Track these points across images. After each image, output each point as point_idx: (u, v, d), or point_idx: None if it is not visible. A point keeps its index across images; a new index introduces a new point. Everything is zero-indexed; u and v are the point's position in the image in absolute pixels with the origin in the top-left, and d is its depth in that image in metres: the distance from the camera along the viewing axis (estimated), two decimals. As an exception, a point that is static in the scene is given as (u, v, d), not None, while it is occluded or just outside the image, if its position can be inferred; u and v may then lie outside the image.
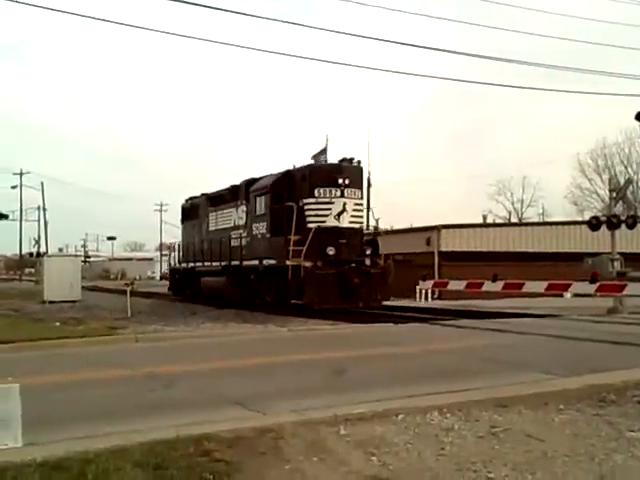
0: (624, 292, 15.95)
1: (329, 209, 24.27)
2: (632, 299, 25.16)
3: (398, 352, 12.18)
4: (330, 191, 24.27)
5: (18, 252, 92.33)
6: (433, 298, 36.06)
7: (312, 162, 25.59)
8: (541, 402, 7.18)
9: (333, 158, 25.23)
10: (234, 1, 22.85)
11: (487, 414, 6.71)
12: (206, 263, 31.90)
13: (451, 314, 22.96)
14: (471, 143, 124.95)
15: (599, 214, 42.77)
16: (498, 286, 19.74)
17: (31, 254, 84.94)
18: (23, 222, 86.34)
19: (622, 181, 42.62)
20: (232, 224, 29.71)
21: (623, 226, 22.85)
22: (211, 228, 32.39)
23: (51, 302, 30.59)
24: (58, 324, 19.58)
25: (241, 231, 28.49)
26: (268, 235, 25.84)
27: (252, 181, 28.41)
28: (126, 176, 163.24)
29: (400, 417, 6.51)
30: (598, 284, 16.27)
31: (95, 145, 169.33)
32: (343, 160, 25.24)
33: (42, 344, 13.54)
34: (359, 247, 24.81)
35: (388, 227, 52.80)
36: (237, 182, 29.88)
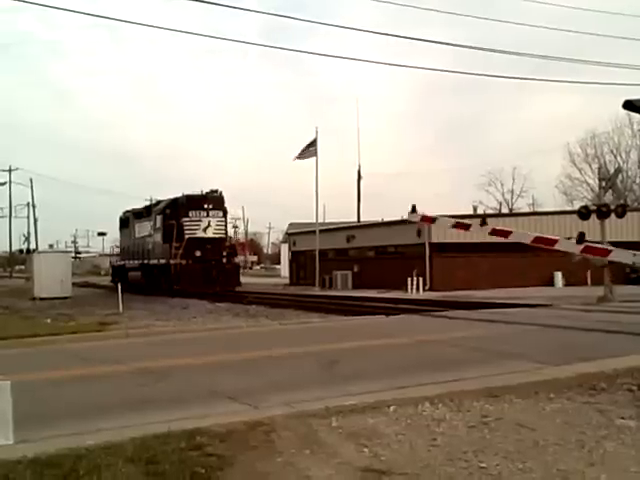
0: (610, 256, 15.74)
1: (198, 225, 36.38)
2: (622, 288, 25.34)
3: (390, 343, 12.20)
4: (199, 213, 36.48)
5: (8, 249, 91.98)
6: (424, 290, 36.14)
7: (189, 193, 37.56)
8: (532, 391, 7.21)
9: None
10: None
11: (478, 404, 6.72)
12: (131, 262, 43.37)
13: (442, 305, 23.04)
14: (462, 134, 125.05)
15: (589, 203, 42.84)
16: (486, 231, 19.37)
17: (21, 251, 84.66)
18: (12, 219, 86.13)
19: (611, 170, 42.70)
20: (146, 233, 40.81)
21: (613, 215, 22.91)
22: (135, 236, 43.48)
23: (42, 299, 30.54)
24: (49, 321, 19.55)
25: (150, 239, 39.83)
26: (162, 242, 37.52)
27: (157, 203, 41.15)
28: (117, 172, 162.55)
29: (392, 408, 6.52)
30: (584, 245, 15.98)
31: (85, 141, 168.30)
32: (209, 191, 37.43)
33: (33, 341, 13.54)
34: (219, 250, 36.37)
35: (379, 219, 53.02)
36: (151, 202, 43.31)
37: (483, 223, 19.34)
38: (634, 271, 37.95)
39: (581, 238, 16.58)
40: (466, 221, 21.42)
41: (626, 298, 22.45)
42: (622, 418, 6.13)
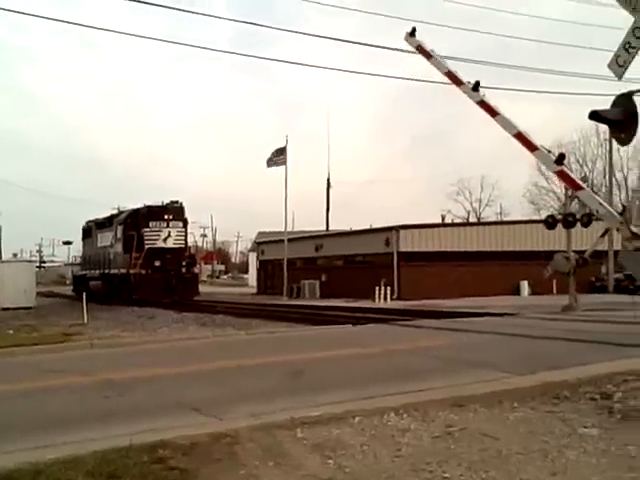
0: (579, 193, 15.67)
1: (159, 235, 37.00)
2: (587, 297, 25.73)
3: (357, 353, 12.20)
4: (159, 223, 37.15)
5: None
6: (392, 299, 36.28)
7: (150, 204, 38.34)
8: (496, 400, 7.24)
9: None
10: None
11: (443, 414, 6.74)
12: (92, 271, 44.10)
13: (410, 314, 23.12)
14: (433, 143, 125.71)
15: (555, 213, 43.42)
16: (475, 97, 18.65)
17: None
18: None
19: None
20: (107, 243, 41.42)
21: (578, 224, 23.20)
22: (97, 245, 44.02)
23: (5, 309, 30.06)
24: (11, 332, 19.22)
25: (111, 249, 40.37)
26: (122, 252, 38.10)
27: (119, 213, 42.02)
28: (85, 179, 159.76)
29: (357, 419, 6.50)
30: (561, 167, 15.73)
31: (51, 148, 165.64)
32: (170, 202, 38.03)
33: (-6, 352, 13.27)
34: (179, 260, 37.14)
35: (347, 228, 53.18)
36: (114, 212, 43.84)
37: (475, 89, 18.29)
38: (599, 279, 38.61)
39: (560, 159, 16.27)
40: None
41: (590, 307, 22.78)
42: (584, 427, 6.18)
